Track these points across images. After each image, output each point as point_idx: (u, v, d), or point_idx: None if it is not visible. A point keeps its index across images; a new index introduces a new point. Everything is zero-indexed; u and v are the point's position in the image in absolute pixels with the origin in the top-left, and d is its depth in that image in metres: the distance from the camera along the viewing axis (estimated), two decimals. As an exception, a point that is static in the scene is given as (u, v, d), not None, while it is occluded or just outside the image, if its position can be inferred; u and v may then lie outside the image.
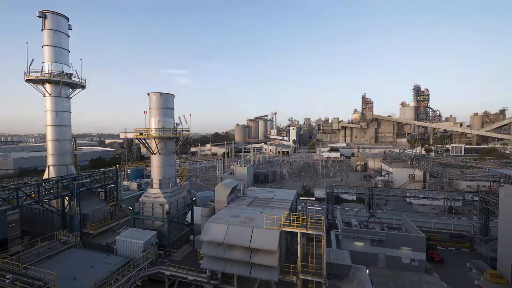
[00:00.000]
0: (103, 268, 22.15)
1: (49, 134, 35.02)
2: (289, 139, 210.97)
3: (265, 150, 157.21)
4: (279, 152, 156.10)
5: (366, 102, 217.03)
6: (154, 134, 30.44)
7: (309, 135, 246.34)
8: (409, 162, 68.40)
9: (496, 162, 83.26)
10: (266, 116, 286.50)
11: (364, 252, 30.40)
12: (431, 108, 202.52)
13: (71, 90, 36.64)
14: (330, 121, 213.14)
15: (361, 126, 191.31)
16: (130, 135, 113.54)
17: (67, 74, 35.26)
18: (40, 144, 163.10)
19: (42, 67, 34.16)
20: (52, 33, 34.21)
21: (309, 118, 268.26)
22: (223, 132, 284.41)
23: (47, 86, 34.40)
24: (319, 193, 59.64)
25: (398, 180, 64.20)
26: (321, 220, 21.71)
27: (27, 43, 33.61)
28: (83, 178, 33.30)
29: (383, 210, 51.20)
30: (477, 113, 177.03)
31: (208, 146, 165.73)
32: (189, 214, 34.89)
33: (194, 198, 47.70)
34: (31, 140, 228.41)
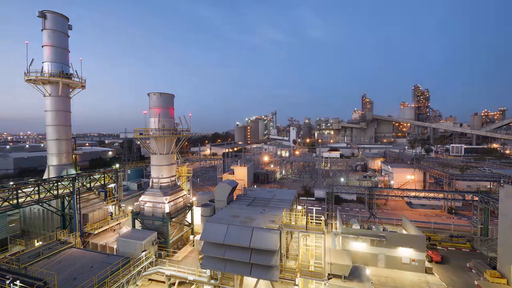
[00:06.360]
0: (103, 268, 22.14)
1: (49, 134, 35.05)
2: (289, 139, 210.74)
3: (265, 150, 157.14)
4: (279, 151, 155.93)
5: (366, 102, 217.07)
6: (154, 134, 30.49)
7: (309, 135, 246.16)
8: (409, 162, 68.37)
9: (496, 162, 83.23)
10: (266, 116, 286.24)
11: (364, 252, 30.42)
12: (431, 108, 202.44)
13: (71, 90, 36.67)
14: (330, 121, 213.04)
15: (361, 126, 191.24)
16: (130, 135, 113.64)
17: (67, 74, 35.30)
18: (40, 144, 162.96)
19: (42, 67, 34.19)
20: (52, 33, 34.23)
21: (309, 118, 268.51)
22: (223, 132, 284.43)
23: (47, 86, 34.43)
24: (319, 193, 59.61)
25: (398, 180, 64.10)
26: (321, 220, 21.71)
27: (27, 43, 33.63)
28: (83, 178, 33.30)
29: (383, 210, 51.20)
30: (477, 113, 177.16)
31: (207, 145, 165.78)
32: (189, 214, 34.91)
33: (194, 198, 47.64)
34: (30, 140, 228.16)
